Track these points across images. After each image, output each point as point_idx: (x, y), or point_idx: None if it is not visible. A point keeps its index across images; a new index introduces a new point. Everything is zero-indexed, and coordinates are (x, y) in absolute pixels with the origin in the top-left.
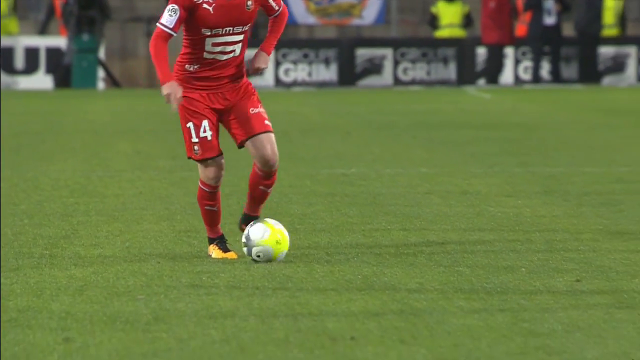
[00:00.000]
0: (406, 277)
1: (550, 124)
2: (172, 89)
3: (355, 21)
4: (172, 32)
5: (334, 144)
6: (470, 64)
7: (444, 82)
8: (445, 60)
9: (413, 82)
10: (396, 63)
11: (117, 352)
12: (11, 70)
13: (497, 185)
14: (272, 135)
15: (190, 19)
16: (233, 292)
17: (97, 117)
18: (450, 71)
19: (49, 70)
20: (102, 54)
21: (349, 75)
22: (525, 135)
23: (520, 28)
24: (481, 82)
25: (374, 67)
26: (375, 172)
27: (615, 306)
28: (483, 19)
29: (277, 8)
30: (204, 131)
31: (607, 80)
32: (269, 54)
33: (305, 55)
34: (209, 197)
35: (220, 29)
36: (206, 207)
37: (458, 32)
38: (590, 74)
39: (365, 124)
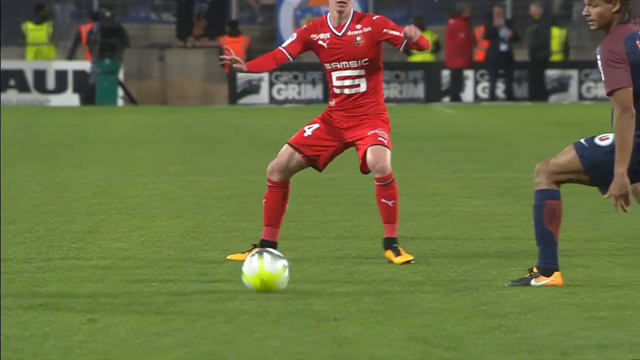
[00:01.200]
0: (382, 267)
1: (505, 136)
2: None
3: None
4: (282, 48)
5: None
6: (436, 84)
7: (413, 100)
8: (415, 81)
9: (387, 100)
10: None
11: (134, 331)
12: (44, 90)
13: (459, 188)
14: (385, 149)
15: (316, 54)
16: (234, 280)
17: (118, 130)
18: (419, 90)
19: (76, 89)
20: (121, 75)
21: None
22: (484, 145)
23: (479, 54)
24: (445, 99)
25: None
26: (355, 177)
27: (561, 292)
28: (447, 47)
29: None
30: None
31: (553, 98)
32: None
33: (295, 77)
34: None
35: (338, 63)
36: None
37: (428, 57)
38: (539, 93)
39: None
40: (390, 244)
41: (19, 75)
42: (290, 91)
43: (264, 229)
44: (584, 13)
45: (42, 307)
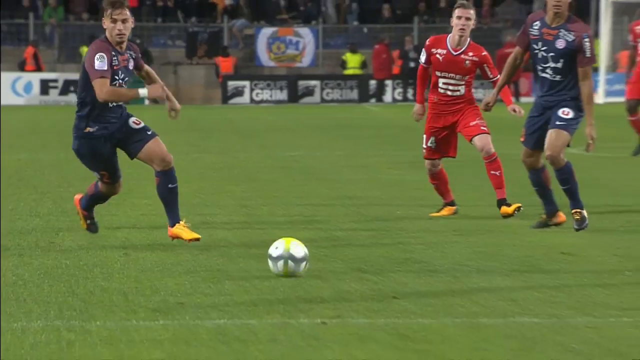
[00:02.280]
0: (329, 215)
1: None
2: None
3: (298, 64)
4: (424, 64)
5: (286, 137)
6: (366, 90)
7: (350, 101)
8: (351, 88)
9: (332, 100)
10: (322, 89)
11: (156, 262)
12: None
13: (384, 162)
14: (487, 135)
15: (432, 63)
16: (226, 228)
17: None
18: (354, 94)
19: None
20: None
21: (294, 97)
22: (400, 132)
23: (395, 69)
24: (372, 100)
25: (309, 92)
26: (311, 154)
27: (453, 233)
28: (374, 64)
29: (491, 76)
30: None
31: None
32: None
33: (268, 84)
34: (433, 178)
35: (447, 73)
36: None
37: (358, 72)
38: None
39: (304, 126)
40: (502, 203)
41: (76, 83)
42: (265, 94)
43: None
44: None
45: (90, 244)
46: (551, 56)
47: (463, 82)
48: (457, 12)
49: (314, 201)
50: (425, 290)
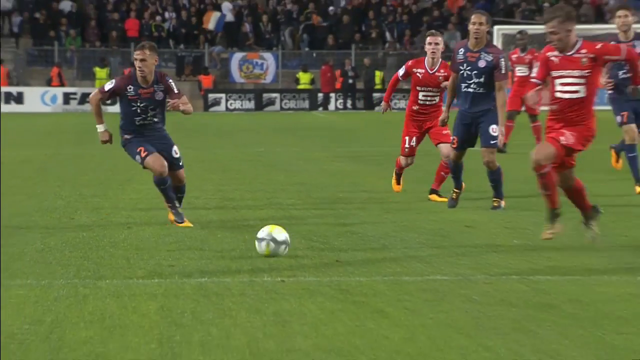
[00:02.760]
0: (286, 198)
1: (352, 128)
2: None
3: (262, 81)
4: (401, 77)
5: (253, 137)
6: (315, 101)
7: (303, 109)
8: (303, 99)
9: (289, 109)
10: (281, 100)
11: (153, 234)
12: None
13: (328, 157)
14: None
15: (411, 80)
16: (202, 197)
17: None
18: (306, 104)
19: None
20: None
21: (259, 106)
22: (341, 134)
23: (338, 85)
24: (320, 109)
25: (271, 102)
26: (272, 150)
27: (383, 213)
28: (321, 81)
29: None
30: (411, 142)
31: (377, 108)
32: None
33: (240, 96)
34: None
35: (427, 87)
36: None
37: (309, 86)
38: (369, 105)
39: (267, 128)
40: (434, 191)
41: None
42: (237, 104)
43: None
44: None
45: (101, 221)
46: (474, 73)
47: (438, 94)
48: (428, 39)
49: (274, 187)
50: (361, 255)
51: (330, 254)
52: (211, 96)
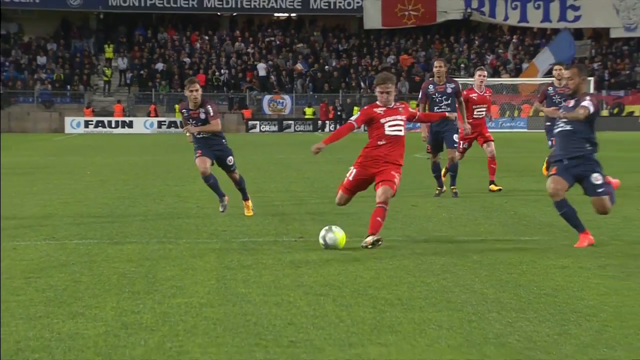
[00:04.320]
0: (299, 189)
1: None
2: None
3: (283, 113)
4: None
5: (276, 149)
6: (316, 126)
7: (309, 131)
8: (309, 125)
9: (300, 131)
10: (295, 125)
11: (216, 209)
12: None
13: (324, 161)
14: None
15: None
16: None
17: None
18: (310, 127)
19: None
20: None
21: (281, 129)
22: (332, 147)
23: (330, 115)
24: (319, 131)
25: (288, 126)
26: (288, 157)
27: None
28: (320, 113)
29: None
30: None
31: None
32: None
33: (268, 123)
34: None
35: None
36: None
37: (312, 117)
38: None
39: (286, 143)
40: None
41: (172, 123)
42: (267, 127)
43: None
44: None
45: (179, 201)
46: (444, 97)
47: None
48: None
49: (290, 180)
50: (346, 223)
51: (325, 224)
52: (250, 123)
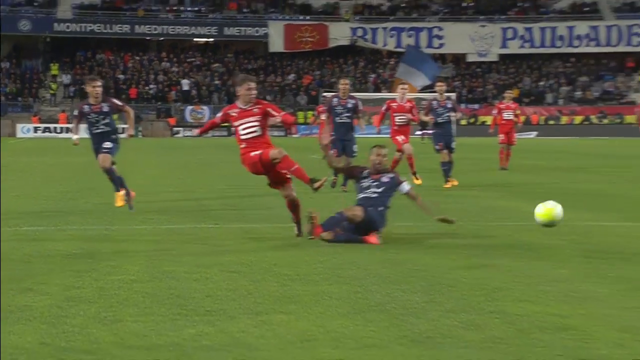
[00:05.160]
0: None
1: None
2: None
3: (203, 121)
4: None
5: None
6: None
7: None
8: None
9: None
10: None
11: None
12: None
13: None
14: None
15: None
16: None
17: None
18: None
19: None
20: None
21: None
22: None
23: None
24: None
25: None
26: (219, 158)
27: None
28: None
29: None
30: None
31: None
32: None
33: (190, 129)
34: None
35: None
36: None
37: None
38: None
39: (213, 146)
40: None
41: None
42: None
43: None
44: None
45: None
46: (345, 110)
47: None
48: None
49: (209, 175)
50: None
51: (239, 215)
52: (174, 129)
